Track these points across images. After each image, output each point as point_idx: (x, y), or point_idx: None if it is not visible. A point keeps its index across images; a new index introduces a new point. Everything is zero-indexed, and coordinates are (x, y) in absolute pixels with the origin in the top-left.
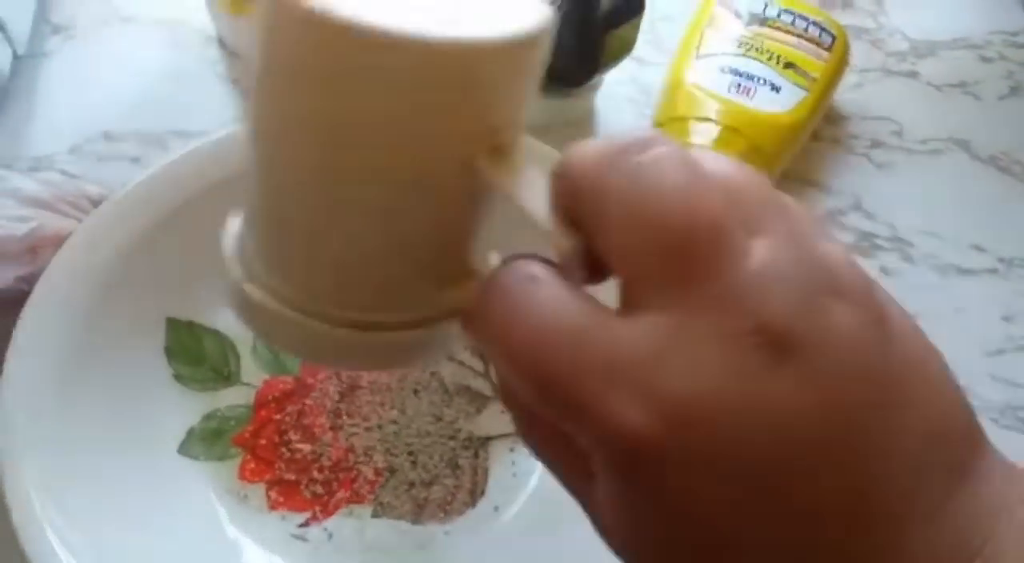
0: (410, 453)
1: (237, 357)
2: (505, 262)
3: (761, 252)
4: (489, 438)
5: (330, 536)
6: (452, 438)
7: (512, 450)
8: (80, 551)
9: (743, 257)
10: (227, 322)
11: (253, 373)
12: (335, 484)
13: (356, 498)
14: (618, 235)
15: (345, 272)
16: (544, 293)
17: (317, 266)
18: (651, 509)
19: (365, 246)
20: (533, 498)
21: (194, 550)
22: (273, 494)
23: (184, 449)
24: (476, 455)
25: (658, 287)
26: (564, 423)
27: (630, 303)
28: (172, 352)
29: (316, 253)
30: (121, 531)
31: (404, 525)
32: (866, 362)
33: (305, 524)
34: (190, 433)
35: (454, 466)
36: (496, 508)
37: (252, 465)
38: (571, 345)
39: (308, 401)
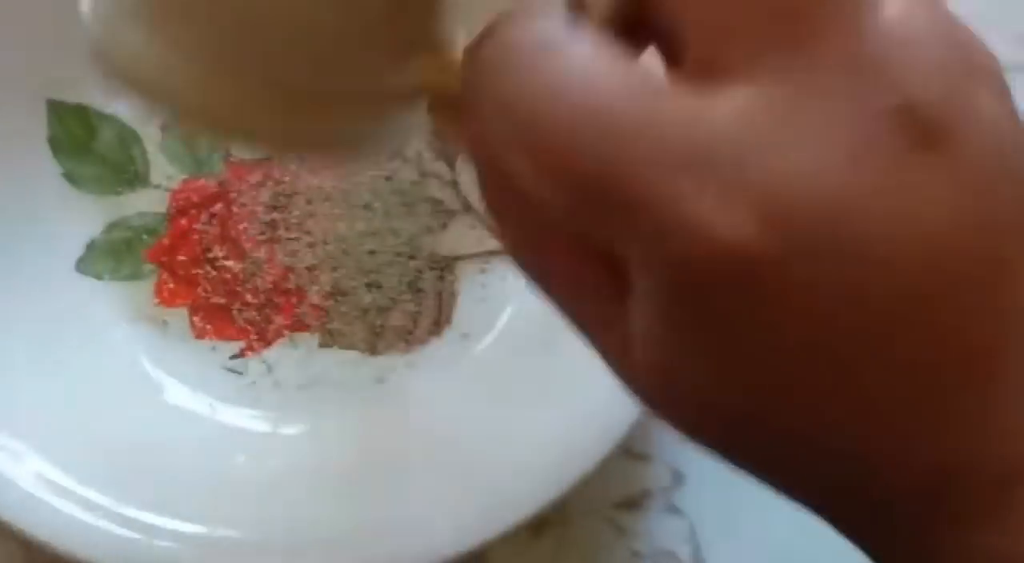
0: (362, 273)
1: (143, 152)
2: (502, 19)
3: (896, 5)
4: (456, 258)
5: (269, 369)
6: (412, 258)
7: (483, 272)
8: None
9: (874, 8)
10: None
11: (165, 172)
12: (273, 309)
13: (299, 325)
14: None
15: (269, 26)
16: (577, 56)
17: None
18: (719, 341)
19: None
20: (507, 327)
21: (103, 389)
22: (198, 320)
23: (84, 266)
24: (441, 277)
25: (753, 49)
26: (603, 231)
27: (704, 71)
28: (58, 144)
29: None
30: (8, 371)
31: (357, 356)
32: (1015, 166)
33: (239, 355)
34: (90, 247)
35: (415, 289)
36: (465, 336)
37: (171, 286)
38: (627, 126)
39: (235, 208)
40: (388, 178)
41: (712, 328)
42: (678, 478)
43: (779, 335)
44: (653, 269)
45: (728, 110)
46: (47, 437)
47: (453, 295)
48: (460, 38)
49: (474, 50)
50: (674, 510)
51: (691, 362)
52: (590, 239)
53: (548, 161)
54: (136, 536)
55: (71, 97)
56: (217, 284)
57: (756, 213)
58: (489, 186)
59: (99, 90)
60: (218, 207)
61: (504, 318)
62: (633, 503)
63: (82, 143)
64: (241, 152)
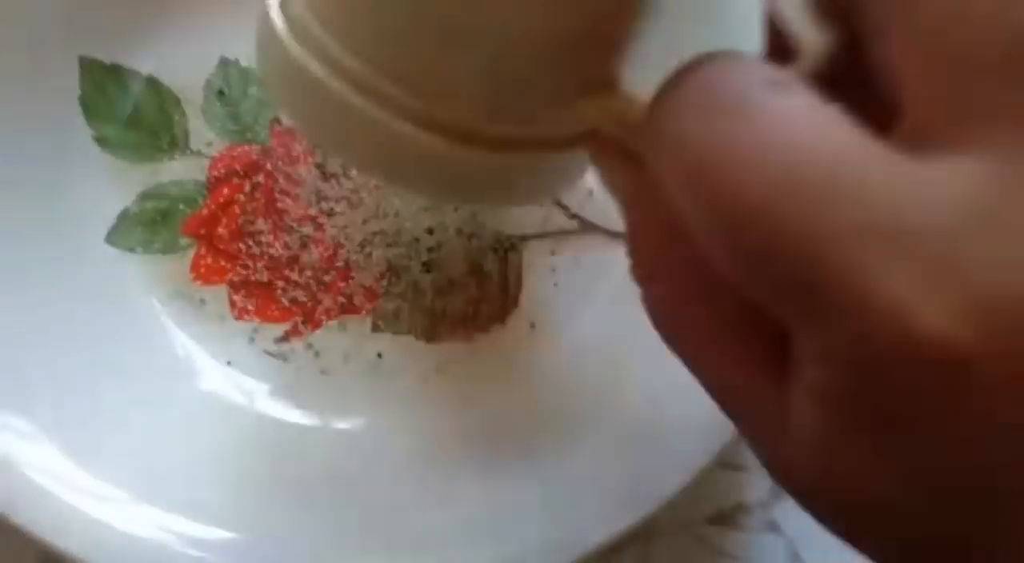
0: (419, 252)
1: (183, 115)
2: (698, 63)
3: None
4: (523, 238)
5: (317, 354)
6: (473, 236)
7: (553, 254)
8: None
9: None
10: (168, 66)
11: (205, 138)
12: (321, 289)
13: (350, 308)
14: (929, 24)
15: (459, 53)
16: (792, 106)
17: (418, 38)
18: (906, 440)
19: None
20: (579, 317)
21: (130, 373)
22: (239, 299)
23: (115, 238)
24: (505, 259)
25: (987, 122)
26: (780, 302)
27: (922, 137)
28: (90, 106)
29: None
30: (29, 349)
31: (414, 343)
32: None
33: (284, 338)
34: (123, 217)
35: (478, 271)
36: (532, 326)
37: (208, 261)
38: (837, 190)
39: (281, 178)
40: None
41: (897, 424)
42: (776, 491)
43: (984, 441)
44: (834, 351)
45: (948, 184)
46: (66, 423)
47: (519, 278)
48: (628, 79)
49: (667, 93)
50: (772, 527)
51: (867, 459)
52: (757, 309)
53: (738, 223)
54: (162, 541)
55: (105, 54)
56: (259, 260)
57: (970, 302)
58: (646, 231)
59: (137, 46)
60: (261, 176)
61: (577, 307)
62: (726, 518)
63: (116, 105)
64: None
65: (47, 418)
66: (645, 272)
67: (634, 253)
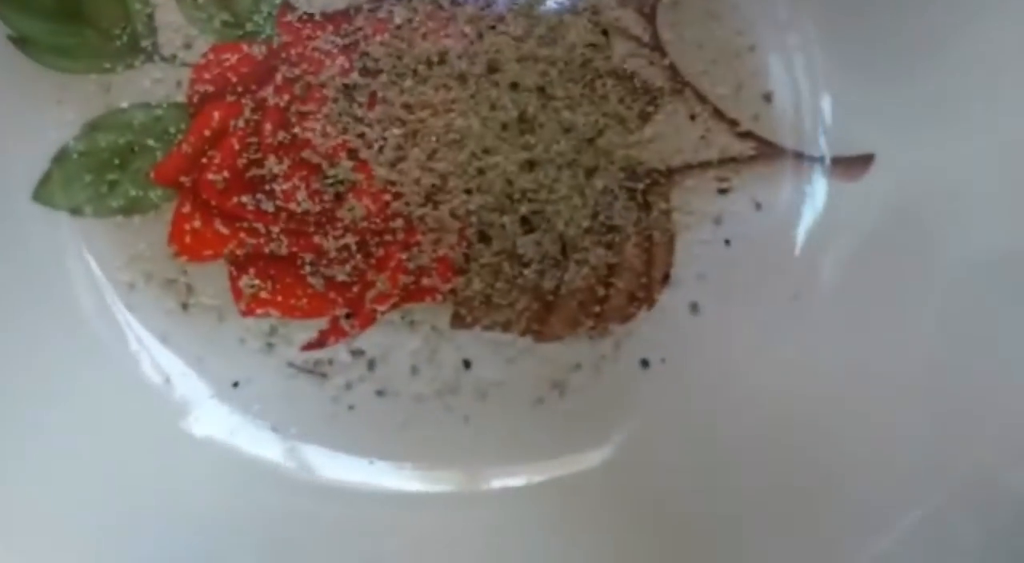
0: (515, 199)
1: (146, 3)
2: None
3: None
4: (671, 172)
5: (371, 366)
6: (595, 171)
7: (723, 193)
8: None
9: None
10: None
11: (182, 37)
12: (371, 262)
13: (417, 291)
14: None
15: None
16: None
17: None
18: None
19: None
20: (767, 292)
21: (77, 401)
22: (245, 283)
23: (48, 193)
24: (646, 205)
25: None
26: None
27: None
28: None
29: None
30: None
31: (517, 344)
32: None
33: (318, 343)
34: (61, 160)
35: (605, 227)
36: (695, 308)
37: (196, 225)
38: None
39: (298, 91)
40: (548, 39)
41: None
42: None
43: None
44: None
45: None
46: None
47: (669, 235)
48: None
49: None
50: None
51: None
52: None
53: None
54: None
55: None
56: (275, 221)
57: None
58: None
59: None
60: (269, 91)
61: (770, 278)
62: None
63: None
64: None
65: None
66: None
67: None
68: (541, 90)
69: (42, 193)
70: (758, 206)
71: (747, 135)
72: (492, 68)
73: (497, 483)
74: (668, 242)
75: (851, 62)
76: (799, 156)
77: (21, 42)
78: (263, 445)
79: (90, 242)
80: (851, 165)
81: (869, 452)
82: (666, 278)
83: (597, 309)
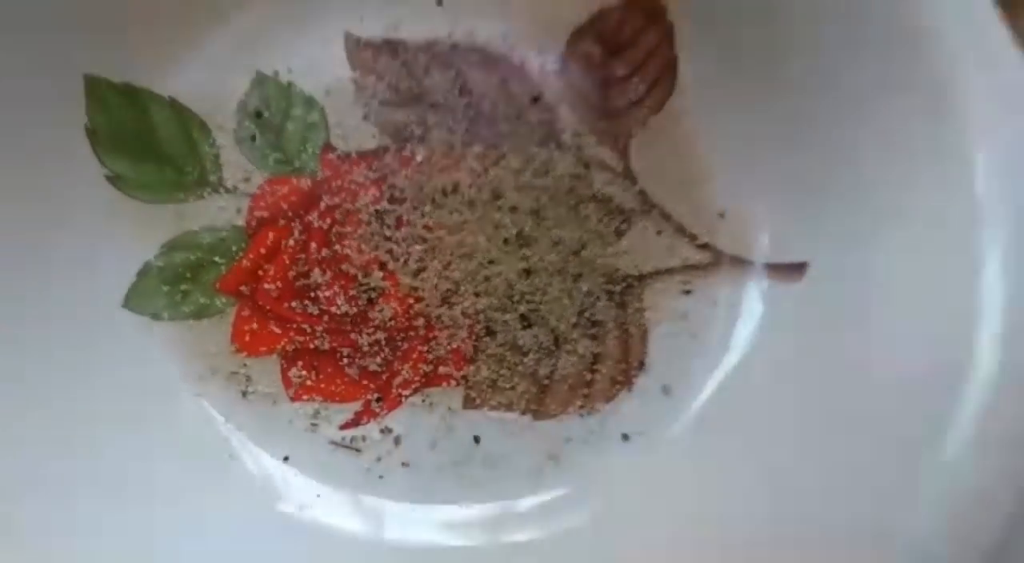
0: (515, 301)
1: (213, 145)
2: None
3: None
4: (642, 277)
5: (397, 441)
6: (580, 277)
7: (686, 294)
8: None
9: None
10: (193, 84)
11: (242, 172)
12: (397, 355)
13: (435, 378)
14: None
15: None
16: None
17: None
18: None
19: None
20: (732, 375)
21: (159, 477)
22: (295, 374)
23: (136, 301)
24: (623, 304)
25: None
26: None
27: None
28: (101, 138)
29: None
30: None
31: (520, 422)
32: None
33: (353, 422)
34: (144, 274)
35: (590, 322)
36: (666, 390)
37: (254, 326)
38: None
39: (338, 216)
40: (540, 171)
41: None
42: None
43: None
44: None
45: None
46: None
47: (643, 329)
48: None
49: None
50: None
51: None
52: None
53: None
54: None
55: (115, 73)
56: (318, 322)
57: None
58: None
59: (155, 60)
60: (314, 216)
61: (725, 360)
62: None
63: (133, 135)
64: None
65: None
66: None
67: None
68: (535, 212)
69: (130, 301)
70: (714, 304)
71: (704, 246)
72: (495, 195)
73: (506, 538)
74: (642, 335)
75: (789, 189)
76: (747, 262)
77: (115, 179)
78: (306, 505)
79: (168, 342)
80: (787, 272)
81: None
82: (641, 365)
83: (585, 391)
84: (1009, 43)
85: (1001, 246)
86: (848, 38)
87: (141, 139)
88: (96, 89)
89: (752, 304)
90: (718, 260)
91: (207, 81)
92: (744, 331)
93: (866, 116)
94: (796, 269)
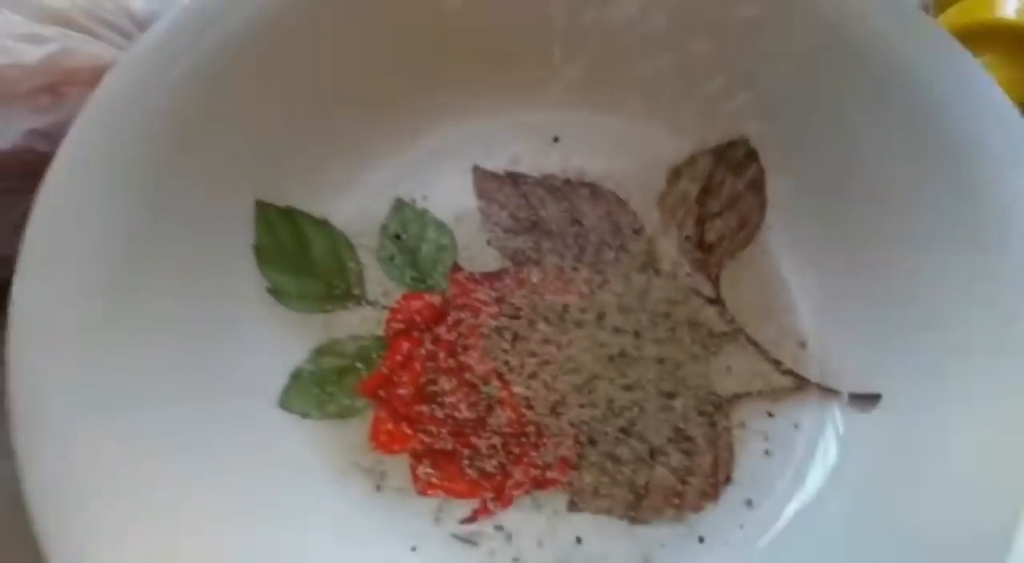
0: (616, 414)
1: (358, 263)
2: None
3: None
4: (732, 398)
5: (508, 538)
6: (673, 395)
7: (770, 416)
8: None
9: None
10: (342, 208)
11: (382, 287)
12: (511, 458)
13: (543, 481)
14: None
15: None
16: None
17: None
18: None
19: None
20: (809, 493)
21: (306, 558)
22: (422, 471)
23: (288, 401)
24: (713, 423)
25: None
26: None
27: None
28: (265, 254)
29: None
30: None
31: (617, 525)
32: None
33: (471, 518)
34: (296, 378)
35: (682, 437)
36: (749, 504)
37: (389, 426)
38: None
39: (463, 330)
40: (641, 296)
41: None
42: None
43: None
44: None
45: None
46: None
47: (730, 446)
48: None
49: None
50: None
51: None
52: None
53: None
54: None
55: (279, 198)
56: (444, 425)
57: None
58: None
59: (312, 189)
60: (443, 329)
61: (803, 481)
62: None
63: (292, 252)
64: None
65: None
66: None
67: None
68: (636, 333)
69: (284, 401)
70: (796, 426)
71: (788, 372)
72: (600, 316)
73: None
74: (729, 452)
75: (865, 322)
76: (827, 390)
77: (274, 291)
78: None
79: (315, 439)
80: (863, 401)
81: None
82: (728, 479)
83: (677, 501)
84: None
85: None
86: (916, 182)
87: (298, 256)
88: (264, 213)
89: (830, 430)
90: (800, 386)
91: (355, 206)
92: (822, 454)
93: (932, 253)
94: (870, 399)
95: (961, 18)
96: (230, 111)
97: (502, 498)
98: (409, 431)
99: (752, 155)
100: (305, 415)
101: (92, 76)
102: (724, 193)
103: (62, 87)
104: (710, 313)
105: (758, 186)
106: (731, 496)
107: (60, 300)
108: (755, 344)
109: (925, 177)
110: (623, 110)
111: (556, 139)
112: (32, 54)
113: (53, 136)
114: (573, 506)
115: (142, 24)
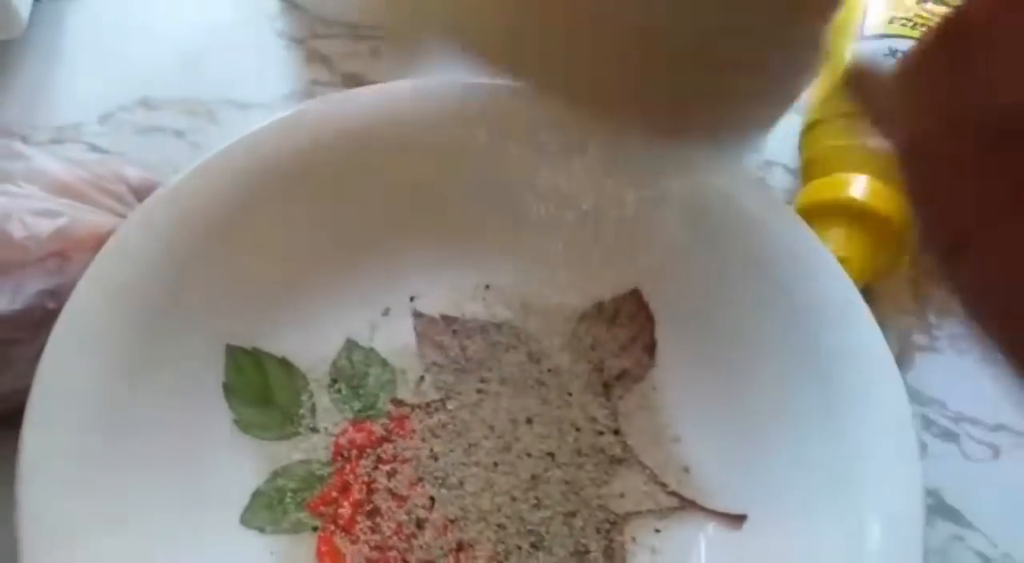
0: (530, 529)
1: (310, 395)
2: None
3: None
4: (624, 515)
5: None
6: (574, 514)
7: (657, 532)
8: None
9: None
10: (297, 346)
11: (331, 415)
12: None
13: None
14: None
15: None
16: None
17: None
18: None
19: None
20: None
21: None
22: None
23: (248, 518)
24: (609, 538)
25: None
26: None
27: None
28: (233, 390)
29: None
30: None
31: None
32: None
33: None
34: (255, 497)
35: (582, 552)
36: None
37: (335, 540)
38: None
39: (397, 453)
40: (553, 424)
41: None
42: None
43: None
44: None
45: None
46: None
47: (624, 559)
48: None
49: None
50: None
51: None
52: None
53: None
54: None
55: (246, 340)
56: (377, 540)
57: None
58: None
59: (272, 330)
60: (381, 453)
61: None
62: None
63: (256, 388)
64: (407, 394)
65: None
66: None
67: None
68: (549, 455)
69: (245, 518)
70: (676, 543)
71: (673, 493)
72: (517, 441)
73: None
74: None
75: (736, 454)
76: (704, 510)
77: (239, 422)
78: None
79: (269, 553)
80: (733, 520)
81: None
82: None
83: None
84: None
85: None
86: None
87: (260, 391)
88: (234, 355)
89: (703, 543)
90: (683, 506)
91: (309, 344)
92: None
93: (784, 394)
94: (738, 519)
95: (815, 195)
96: (206, 276)
97: None
98: (349, 546)
99: (643, 305)
100: (262, 530)
101: (95, 242)
102: (622, 336)
103: (68, 253)
104: (608, 440)
105: (648, 332)
106: None
107: (63, 437)
108: (646, 468)
109: (777, 331)
110: (544, 265)
111: (487, 287)
112: (45, 227)
113: (60, 295)
114: None
115: (138, 191)
